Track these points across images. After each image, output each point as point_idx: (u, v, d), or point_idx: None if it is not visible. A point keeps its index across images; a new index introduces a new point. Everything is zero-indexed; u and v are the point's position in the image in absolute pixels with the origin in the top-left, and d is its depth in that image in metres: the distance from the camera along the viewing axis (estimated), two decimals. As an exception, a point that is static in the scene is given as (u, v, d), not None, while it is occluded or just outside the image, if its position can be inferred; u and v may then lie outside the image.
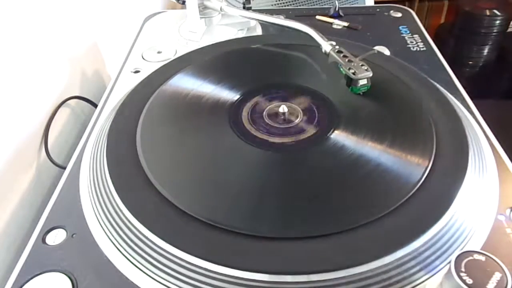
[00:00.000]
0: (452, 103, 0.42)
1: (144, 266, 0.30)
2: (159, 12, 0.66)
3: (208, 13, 0.58)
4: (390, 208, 0.31)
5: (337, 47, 0.45)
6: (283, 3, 0.96)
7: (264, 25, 0.60)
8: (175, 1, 0.61)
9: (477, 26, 1.38)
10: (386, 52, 0.53)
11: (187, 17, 0.58)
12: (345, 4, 0.96)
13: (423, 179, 0.33)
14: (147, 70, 0.50)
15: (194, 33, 0.57)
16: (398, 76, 0.44)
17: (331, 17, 0.63)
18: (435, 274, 0.29)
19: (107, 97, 0.49)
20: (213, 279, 0.28)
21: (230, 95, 0.43)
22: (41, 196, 0.47)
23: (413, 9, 0.66)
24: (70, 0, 0.56)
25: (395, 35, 0.59)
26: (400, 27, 0.61)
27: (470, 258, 0.25)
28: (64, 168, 0.40)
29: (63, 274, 0.30)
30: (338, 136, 0.38)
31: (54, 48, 0.52)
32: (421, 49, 0.56)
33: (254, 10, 0.56)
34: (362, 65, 0.42)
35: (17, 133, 0.44)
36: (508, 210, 0.33)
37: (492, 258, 0.25)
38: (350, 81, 0.42)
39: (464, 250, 0.26)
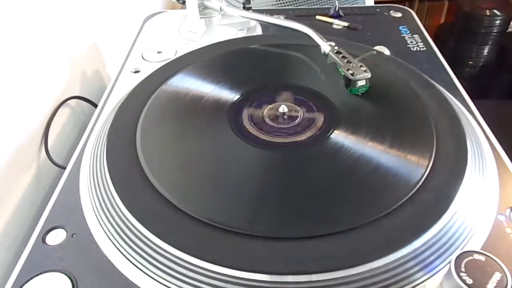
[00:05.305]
0: (452, 103, 0.42)
1: (144, 266, 0.30)
2: (159, 12, 0.66)
3: (208, 13, 0.58)
4: (390, 208, 0.31)
5: (336, 47, 0.45)
6: (283, 3, 0.96)
7: (264, 25, 0.60)
8: (175, 1, 0.61)
9: (477, 26, 1.38)
10: (386, 52, 0.53)
11: (187, 17, 0.58)
12: (345, 4, 0.96)
13: (423, 179, 0.33)
14: (147, 70, 0.50)
15: (194, 33, 0.57)
16: (398, 76, 0.44)
17: (331, 17, 0.63)
18: (435, 274, 0.29)
19: (107, 97, 0.49)
20: (213, 279, 0.28)
21: (230, 95, 0.43)
22: (41, 196, 0.47)
23: (413, 9, 0.66)
24: (70, 0, 0.56)
25: (395, 35, 0.59)
26: (400, 27, 0.61)
27: (470, 258, 0.25)
28: (64, 168, 0.40)
29: (63, 274, 0.30)
30: (338, 136, 0.38)
31: (54, 48, 0.52)
32: (421, 49, 0.56)
33: (254, 10, 0.56)
34: (360, 66, 0.42)
35: (17, 133, 0.44)
36: (508, 210, 0.33)
37: (492, 258, 0.25)
38: (349, 82, 0.42)
39: (464, 250, 0.27)
